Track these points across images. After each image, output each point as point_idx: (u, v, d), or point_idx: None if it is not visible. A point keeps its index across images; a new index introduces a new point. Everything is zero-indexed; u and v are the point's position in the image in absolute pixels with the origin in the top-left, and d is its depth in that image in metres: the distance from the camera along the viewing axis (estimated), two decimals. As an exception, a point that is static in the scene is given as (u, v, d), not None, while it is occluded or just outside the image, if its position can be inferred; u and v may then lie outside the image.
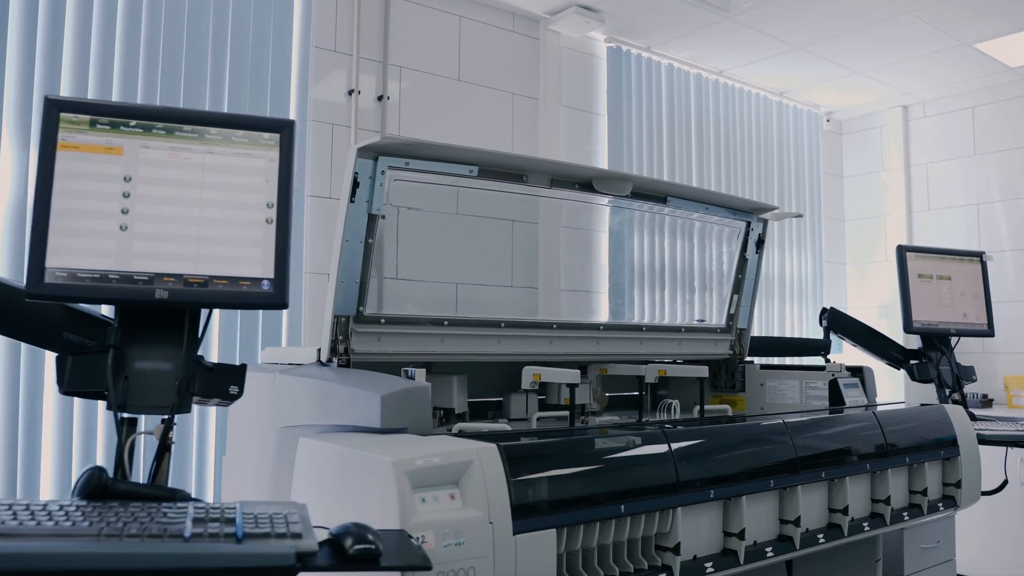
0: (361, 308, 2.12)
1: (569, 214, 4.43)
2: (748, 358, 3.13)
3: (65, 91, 2.85)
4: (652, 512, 1.66)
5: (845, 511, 2.12)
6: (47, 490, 2.76)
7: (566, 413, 2.41)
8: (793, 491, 1.99)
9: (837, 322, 3.22)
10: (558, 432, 1.94)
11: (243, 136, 1.46)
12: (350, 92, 3.61)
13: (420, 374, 1.75)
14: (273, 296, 1.42)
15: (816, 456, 2.07)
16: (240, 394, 1.44)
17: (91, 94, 2.92)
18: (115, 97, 2.96)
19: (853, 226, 6.00)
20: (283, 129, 1.48)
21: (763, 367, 3.05)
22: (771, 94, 5.47)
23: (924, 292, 3.09)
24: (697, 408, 2.66)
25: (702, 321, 3.24)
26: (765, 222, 3.06)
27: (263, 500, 1.36)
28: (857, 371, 2.79)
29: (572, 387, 2.06)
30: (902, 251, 3.07)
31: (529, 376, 2.11)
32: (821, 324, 3.25)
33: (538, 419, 2.35)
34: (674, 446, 1.74)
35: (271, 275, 1.43)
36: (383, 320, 2.17)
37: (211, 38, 3.19)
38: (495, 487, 1.41)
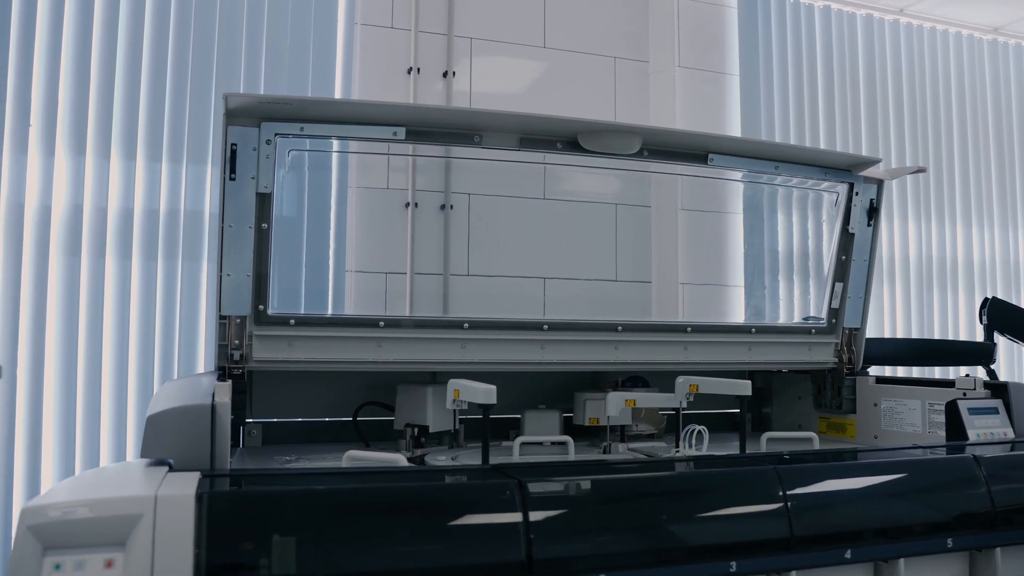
0: (261, 307, 1.77)
1: (690, 194, 3.75)
2: (867, 368, 2.34)
3: (95, 67, 2.79)
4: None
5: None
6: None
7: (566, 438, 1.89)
8: (783, 577, 1.31)
9: (1002, 317, 2.31)
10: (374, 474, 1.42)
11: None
12: (409, 71, 3.29)
13: (222, 389, 1.35)
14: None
15: (841, 532, 1.36)
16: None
17: (119, 72, 2.83)
18: (144, 80, 2.86)
19: (1114, 194, 4.58)
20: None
21: (879, 380, 2.25)
22: (979, 31, 4.32)
23: None
24: (765, 436, 1.99)
25: (809, 319, 2.49)
26: (879, 184, 2.26)
27: None
28: (1000, 389, 1.93)
29: (486, 408, 1.54)
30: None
31: (450, 392, 1.63)
32: (981, 321, 2.36)
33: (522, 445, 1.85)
34: (534, 507, 1.17)
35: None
36: (292, 321, 1.80)
37: (246, 14, 3.03)
38: (172, 554, 0.98)
